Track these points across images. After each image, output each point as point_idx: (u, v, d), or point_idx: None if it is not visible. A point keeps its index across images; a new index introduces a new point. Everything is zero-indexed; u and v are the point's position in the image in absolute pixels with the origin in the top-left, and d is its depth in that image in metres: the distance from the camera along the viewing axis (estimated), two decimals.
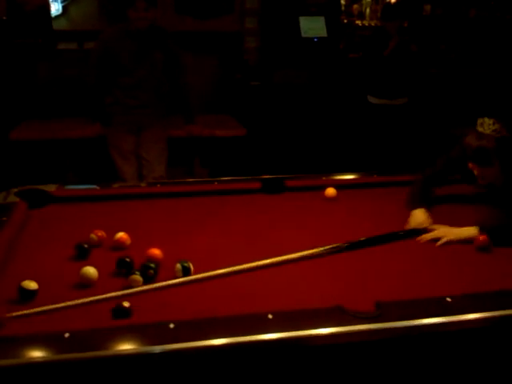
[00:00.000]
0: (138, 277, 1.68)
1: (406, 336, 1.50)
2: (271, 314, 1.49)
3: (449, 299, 1.58)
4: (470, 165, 2.28)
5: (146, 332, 1.42)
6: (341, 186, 2.64)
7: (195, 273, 1.77)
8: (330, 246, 1.98)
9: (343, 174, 2.85)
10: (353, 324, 1.47)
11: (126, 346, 1.37)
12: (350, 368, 1.51)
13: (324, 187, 2.58)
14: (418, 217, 2.23)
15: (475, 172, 2.29)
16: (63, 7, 5.11)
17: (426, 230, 2.16)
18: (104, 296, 1.61)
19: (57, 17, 5.10)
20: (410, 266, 1.93)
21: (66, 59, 5.07)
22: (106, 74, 3.77)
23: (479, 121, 2.21)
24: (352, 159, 4.87)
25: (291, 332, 1.44)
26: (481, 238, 2.01)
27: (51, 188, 2.50)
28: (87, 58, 3.89)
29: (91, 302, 1.59)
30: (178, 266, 1.77)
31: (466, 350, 1.57)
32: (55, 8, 5.07)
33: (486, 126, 2.17)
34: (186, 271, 1.77)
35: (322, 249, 1.96)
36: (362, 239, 2.05)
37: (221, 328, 1.44)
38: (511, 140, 2.14)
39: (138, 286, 1.67)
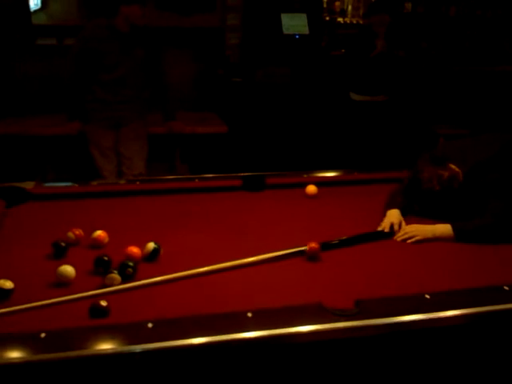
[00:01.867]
0: (115, 275, 1.66)
1: (385, 333, 1.50)
2: (251, 312, 1.48)
3: (427, 296, 1.58)
4: None
5: (124, 331, 1.40)
6: (321, 183, 2.64)
7: (174, 271, 1.75)
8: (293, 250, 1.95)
9: (324, 172, 2.86)
10: (332, 321, 1.47)
11: (104, 346, 1.35)
12: (331, 365, 1.51)
13: (305, 184, 2.59)
14: (391, 216, 2.24)
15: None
16: (42, 1, 5.03)
17: (393, 234, 2.16)
18: (81, 295, 1.59)
19: (36, 11, 5.02)
20: (389, 263, 1.94)
21: (44, 55, 5.00)
22: (86, 71, 3.72)
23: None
24: (333, 156, 4.88)
25: (271, 330, 1.43)
26: (311, 246, 1.92)
27: (29, 185, 2.47)
28: (67, 54, 3.84)
29: (68, 300, 1.56)
30: (151, 245, 1.82)
31: (444, 346, 1.58)
32: (34, 2, 4.98)
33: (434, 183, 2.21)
34: (155, 253, 1.82)
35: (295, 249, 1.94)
36: (325, 242, 2.01)
37: (200, 327, 1.42)
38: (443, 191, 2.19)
39: (115, 285, 1.65)
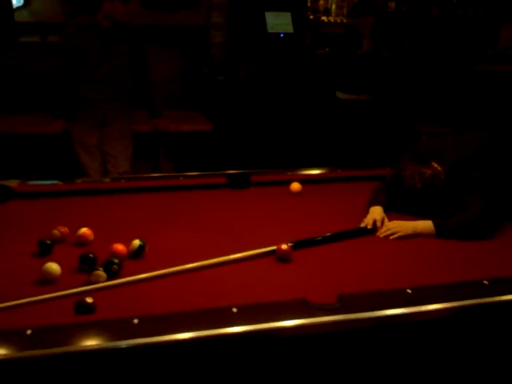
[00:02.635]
0: (101, 272, 1.67)
1: (368, 326, 1.53)
2: (236, 307, 1.50)
3: (409, 291, 1.61)
4: None
5: (110, 327, 1.41)
6: (306, 180, 2.66)
7: (159, 268, 1.76)
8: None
9: (308, 169, 2.88)
10: (316, 316, 1.49)
11: (90, 342, 1.36)
12: (315, 359, 1.54)
13: (289, 182, 2.61)
14: (374, 212, 2.27)
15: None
16: None
17: (375, 230, 2.19)
18: (67, 292, 1.59)
19: (18, 8, 4.98)
20: (371, 259, 1.97)
21: (28, 52, 4.96)
22: (70, 69, 3.71)
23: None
24: (317, 154, 4.91)
25: (256, 325, 1.45)
26: (282, 247, 1.90)
27: (13, 183, 2.46)
28: (50, 51, 3.82)
29: (54, 298, 1.57)
30: (136, 242, 1.84)
31: (426, 339, 1.61)
32: None
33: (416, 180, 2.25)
34: (141, 250, 1.84)
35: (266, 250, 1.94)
36: (310, 238, 2.04)
37: (185, 322, 1.44)
38: (424, 188, 2.24)
39: (101, 282, 1.66)
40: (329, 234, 2.08)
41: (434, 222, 2.15)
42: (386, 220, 2.24)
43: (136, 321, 1.42)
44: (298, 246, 1.97)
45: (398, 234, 2.13)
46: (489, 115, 5.53)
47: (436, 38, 6.53)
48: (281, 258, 1.89)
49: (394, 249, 2.06)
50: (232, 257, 1.87)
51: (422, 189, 2.23)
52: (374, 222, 2.20)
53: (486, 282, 1.70)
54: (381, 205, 2.32)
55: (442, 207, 2.28)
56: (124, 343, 1.36)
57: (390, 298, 1.59)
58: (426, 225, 2.15)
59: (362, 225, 2.21)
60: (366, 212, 2.30)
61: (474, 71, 5.93)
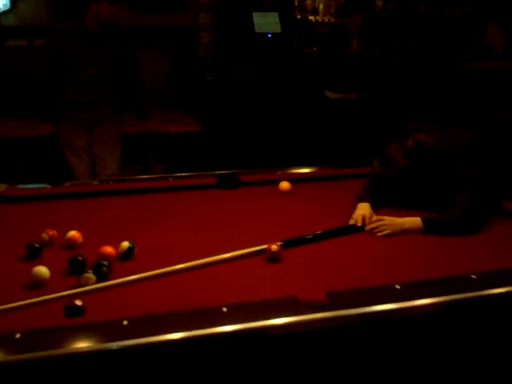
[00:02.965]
0: (90, 275, 1.67)
1: (358, 323, 1.54)
2: (226, 307, 1.50)
3: (397, 286, 1.62)
4: None
5: (100, 330, 1.41)
6: (295, 179, 2.67)
7: (148, 270, 1.76)
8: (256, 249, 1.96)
9: (297, 168, 2.89)
10: (306, 313, 1.50)
11: (80, 345, 1.36)
12: (306, 356, 1.54)
13: (279, 181, 2.61)
14: (362, 208, 2.28)
15: None
16: (11, 2, 4.95)
17: (363, 227, 2.19)
18: (57, 295, 1.59)
19: (5, 12, 4.95)
20: (360, 255, 1.98)
21: (14, 56, 4.94)
22: (58, 71, 3.70)
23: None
24: (307, 153, 4.92)
25: (246, 324, 1.46)
26: (272, 248, 1.90)
27: (1, 187, 2.45)
28: (37, 55, 3.80)
29: (43, 301, 1.56)
30: (125, 244, 1.84)
31: (416, 335, 1.62)
32: (3, 3, 4.91)
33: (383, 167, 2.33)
34: (130, 251, 1.84)
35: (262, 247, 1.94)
36: (300, 237, 2.05)
37: (175, 323, 1.44)
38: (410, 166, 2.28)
39: (90, 285, 1.66)
40: (318, 232, 2.08)
41: (422, 219, 2.16)
42: (374, 216, 2.24)
43: (126, 322, 1.42)
44: (287, 244, 1.97)
45: (385, 232, 2.14)
46: (476, 112, 5.58)
47: (423, 36, 6.56)
48: (271, 257, 1.89)
49: (382, 245, 2.07)
50: (222, 257, 1.87)
51: (410, 165, 2.24)
52: (363, 219, 2.21)
53: (473, 276, 1.72)
54: (368, 201, 2.34)
55: (432, 201, 2.30)
56: (114, 345, 1.36)
57: (378, 294, 1.60)
58: (413, 221, 2.16)
59: (351, 221, 2.22)
60: (354, 208, 2.31)
61: (461, 68, 5.96)
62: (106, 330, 1.41)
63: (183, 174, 2.74)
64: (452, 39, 6.61)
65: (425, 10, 6.62)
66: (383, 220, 2.18)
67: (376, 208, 2.31)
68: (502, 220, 2.28)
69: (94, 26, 3.62)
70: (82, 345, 1.36)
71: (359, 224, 2.20)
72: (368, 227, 2.18)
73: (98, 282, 1.68)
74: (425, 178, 2.31)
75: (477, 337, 1.69)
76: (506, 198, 2.40)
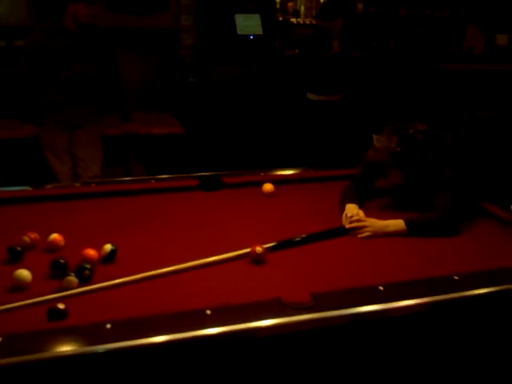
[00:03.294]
0: (72, 278, 1.65)
1: (342, 324, 1.55)
2: (209, 309, 1.50)
3: (381, 288, 1.64)
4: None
5: (82, 333, 1.40)
6: (278, 181, 2.67)
7: (131, 272, 1.75)
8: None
9: (280, 170, 2.89)
10: (291, 315, 1.50)
11: (63, 348, 1.35)
12: (291, 358, 1.54)
13: (262, 183, 2.61)
14: (351, 209, 2.30)
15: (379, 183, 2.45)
16: None
17: (351, 230, 2.20)
18: (39, 299, 1.57)
19: None
20: (344, 257, 1.99)
21: None
22: (39, 72, 3.66)
23: (375, 137, 2.31)
24: (290, 155, 4.93)
25: (231, 326, 1.46)
26: (256, 250, 1.89)
27: None
28: (17, 55, 3.76)
29: (25, 305, 1.55)
30: (108, 246, 1.82)
31: (400, 335, 1.64)
32: None
33: (380, 142, 2.29)
34: (112, 254, 1.83)
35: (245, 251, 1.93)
36: (288, 240, 2.05)
37: (159, 326, 1.44)
38: (403, 152, 2.25)
39: (73, 288, 1.64)
40: (305, 236, 2.08)
41: (405, 221, 2.17)
42: (363, 214, 2.26)
43: (109, 325, 1.41)
44: (275, 248, 1.97)
45: (366, 234, 2.15)
46: (456, 113, 5.64)
47: (404, 38, 6.63)
48: (255, 260, 1.89)
49: (366, 247, 2.08)
50: (206, 260, 1.86)
51: (390, 155, 2.25)
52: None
53: (456, 277, 1.73)
54: (355, 201, 2.35)
55: (415, 202, 2.32)
56: (97, 348, 1.35)
57: (362, 296, 1.61)
58: (396, 224, 2.17)
59: (345, 222, 2.22)
60: (342, 211, 2.31)
61: (440, 70, 6.03)
62: (88, 333, 1.40)
63: (165, 176, 2.72)
64: (432, 41, 6.69)
65: (405, 13, 6.70)
66: (365, 222, 2.19)
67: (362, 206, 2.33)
68: (481, 221, 2.30)
69: (72, 27, 3.59)
70: (65, 348, 1.35)
71: (351, 224, 2.21)
72: (348, 226, 2.19)
73: (80, 285, 1.66)
74: (409, 178, 2.33)
75: (461, 337, 1.71)
76: (484, 198, 2.44)
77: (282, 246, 2.01)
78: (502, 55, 6.49)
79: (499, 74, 6.03)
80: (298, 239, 2.06)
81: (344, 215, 2.27)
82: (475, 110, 5.58)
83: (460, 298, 1.66)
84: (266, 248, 1.93)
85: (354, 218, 2.20)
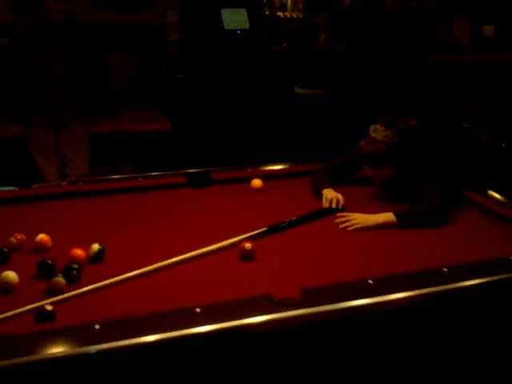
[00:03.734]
0: (60, 279, 1.64)
1: (333, 319, 1.55)
2: (199, 307, 1.49)
3: (370, 281, 1.63)
4: (365, 167, 2.45)
5: (71, 334, 1.39)
6: (267, 176, 2.66)
7: (119, 271, 1.73)
8: (250, 234, 2.02)
9: (269, 165, 2.88)
10: (281, 311, 1.50)
11: (51, 350, 1.33)
12: (282, 354, 1.54)
13: (250, 179, 2.60)
14: (330, 192, 2.37)
15: (369, 173, 2.45)
16: None
17: (343, 209, 2.28)
18: (27, 308, 1.52)
19: None
20: (333, 251, 1.98)
21: None
22: (23, 71, 3.62)
23: (372, 127, 2.36)
24: (278, 149, 4.93)
25: (221, 324, 1.45)
26: (245, 246, 1.89)
27: None
28: (1, 53, 3.72)
29: (13, 315, 1.51)
30: (96, 246, 1.81)
31: (390, 329, 1.64)
32: None
33: (378, 132, 2.33)
34: (100, 254, 1.82)
35: (242, 237, 1.99)
36: (281, 223, 2.13)
37: (148, 325, 1.42)
38: (400, 145, 2.31)
39: (60, 289, 1.63)
40: (294, 218, 2.15)
41: (395, 214, 2.18)
42: (342, 197, 2.32)
43: (97, 326, 1.40)
44: (267, 232, 2.05)
45: (356, 226, 2.15)
46: (443, 105, 5.65)
47: (391, 31, 6.63)
48: (244, 256, 1.88)
49: (352, 240, 2.08)
50: (194, 253, 1.86)
51: (387, 147, 2.28)
52: (337, 201, 2.31)
53: (445, 269, 1.74)
54: (331, 186, 2.42)
55: (404, 193, 2.36)
56: (86, 349, 1.33)
57: (351, 290, 1.60)
58: (386, 216, 2.18)
59: (326, 204, 2.29)
60: (316, 195, 2.40)
61: (427, 62, 6.04)
62: (77, 334, 1.38)
63: (153, 174, 2.71)
64: (419, 34, 6.70)
65: (391, 6, 6.70)
66: (356, 215, 2.20)
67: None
68: (468, 212, 2.32)
69: (59, 17, 3.54)
70: (54, 350, 1.33)
71: (334, 206, 2.28)
72: (338, 220, 2.20)
73: (68, 285, 1.65)
74: (400, 171, 2.36)
75: (451, 330, 1.72)
76: (467, 188, 2.46)
77: (273, 230, 2.07)
78: (488, 46, 6.51)
79: (486, 64, 6.04)
80: (286, 223, 2.12)
81: (324, 199, 2.35)
82: (462, 101, 5.59)
83: (449, 290, 1.66)
84: (256, 234, 1.99)
85: (334, 204, 2.29)
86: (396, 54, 6.24)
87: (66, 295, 1.61)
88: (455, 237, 2.09)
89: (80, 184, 2.59)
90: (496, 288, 1.74)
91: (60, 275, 1.65)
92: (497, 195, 2.40)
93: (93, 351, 1.33)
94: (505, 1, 6.77)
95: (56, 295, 1.60)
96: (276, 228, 2.10)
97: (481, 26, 6.76)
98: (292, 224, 2.14)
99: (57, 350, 1.33)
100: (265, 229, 2.07)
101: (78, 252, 1.79)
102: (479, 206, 2.35)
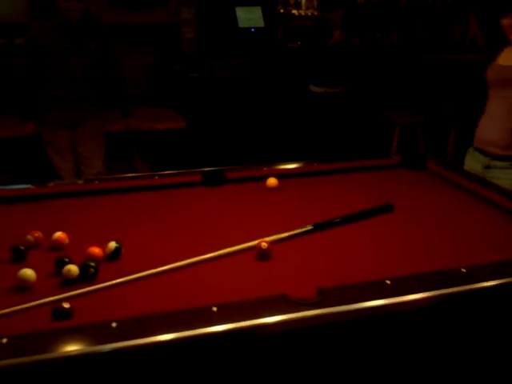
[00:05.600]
0: (70, 266, 1.65)
1: (349, 319, 1.53)
2: (215, 306, 1.49)
3: (388, 281, 1.62)
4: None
5: (88, 332, 1.39)
6: (282, 175, 2.65)
7: (136, 269, 1.74)
8: (293, 232, 2.03)
9: (284, 164, 2.87)
10: (297, 311, 1.49)
11: (68, 348, 1.33)
12: (299, 354, 1.53)
13: (266, 177, 2.59)
14: None
15: None
16: None
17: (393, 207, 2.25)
18: (42, 301, 1.55)
19: None
20: (350, 251, 1.97)
21: None
22: (39, 70, 3.65)
23: None
24: (293, 148, 4.92)
25: (237, 323, 1.44)
26: (262, 245, 1.87)
27: None
28: (18, 53, 3.76)
29: (29, 307, 1.53)
30: (113, 244, 1.82)
31: (408, 330, 1.62)
32: None
33: None
34: (117, 252, 1.83)
35: (287, 234, 2.00)
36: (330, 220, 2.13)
37: (165, 324, 1.42)
38: None
39: (73, 277, 1.65)
40: (347, 215, 2.17)
41: None
42: None
43: (114, 324, 1.40)
44: (317, 227, 2.08)
45: None
46: (459, 103, 5.61)
47: (406, 28, 6.59)
48: (261, 255, 1.87)
49: (369, 240, 2.05)
50: (210, 255, 1.85)
51: None
52: None
53: (463, 269, 1.72)
54: None
55: None
56: (103, 347, 1.34)
57: (368, 290, 1.59)
58: None
59: None
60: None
61: (444, 60, 6.00)
62: (94, 332, 1.39)
63: (168, 172, 2.71)
64: (434, 31, 6.65)
65: (406, 3, 6.65)
66: None
67: None
68: (481, 214, 2.29)
69: (68, 22, 3.56)
70: (70, 348, 1.34)
71: None
72: None
73: (85, 282, 1.66)
74: None
75: (472, 331, 1.70)
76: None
77: (326, 225, 2.09)
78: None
79: None
80: (339, 219, 2.14)
81: None
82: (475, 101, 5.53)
83: (470, 290, 1.64)
84: (311, 229, 2.03)
85: None
86: (412, 51, 6.21)
87: (81, 290, 1.62)
88: (472, 238, 2.06)
89: (96, 182, 2.60)
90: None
91: (67, 261, 1.69)
92: None
93: (110, 349, 1.33)
94: None
95: (72, 291, 1.61)
96: (323, 225, 2.11)
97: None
98: (343, 222, 2.15)
99: (73, 348, 1.33)
100: (310, 227, 2.07)
101: (95, 250, 1.80)
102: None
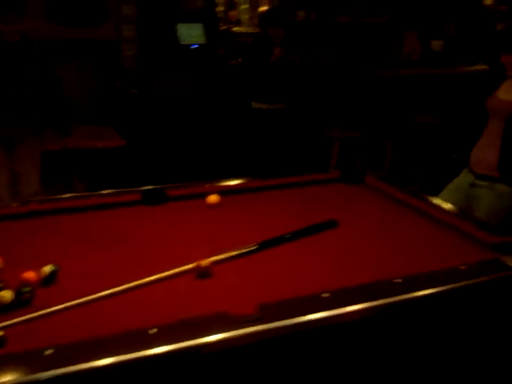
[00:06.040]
0: (5, 292, 1.61)
1: (290, 333, 1.55)
2: (155, 327, 1.47)
3: (325, 295, 1.65)
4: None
5: (21, 360, 1.35)
6: (224, 191, 2.66)
7: (73, 293, 1.69)
8: (239, 252, 2.01)
9: (226, 180, 2.87)
10: (238, 328, 1.49)
11: (1, 378, 1.29)
12: (241, 371, 1.53)
13: (207, 194, 2.59)
14: None
15: None
16: None
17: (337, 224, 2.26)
18: None
19: None
20: (289, 266, 1.98)
21: None
22: None
23: None
24: (235, 165, 4.94)
25: (178, 344, 1.43)
26: (202, 264, 1.87)
27: None
28: None
29: None
30: (48, 268, 1.78)
31: (349, 342, 1.65)
32: None
33: None
34: (52, 275, 1.79)
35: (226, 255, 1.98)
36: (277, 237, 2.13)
37: (102, 348, 1.40)
38: None
39: (7, 303, 1.61)
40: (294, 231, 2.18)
41: None
42: None
43: (49, 351, 1.36)
44: (263, 246, 2.07)
45: None
46: (395, 118, 5.79)
47: (344, 45, 6.76)
48: (201, 274, 1.87)
49: (305, 255, 2.07)
50: (150, 279, 1.81)
51: None
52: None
53: (398, 280, 1.76)
54: None
55: None
56: (38, 376, 1.30)
57: (308, 304, 1.61)
58: None
59: None
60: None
61: (380, 76, 6.18)
62: (26, 361, 1.34)
63: (107, 192, 2.66)
64: (372, 48, 6.86)
65: (346, 21, 6.84)
66: None
67: None
68: (416, 222, 2.36)
69: (12, 39, 3.48)
70: (4, 378, 1.29)
71: None
72: None
73: (20, 308, 1.61)
74: None
75: (410, 341, 1.74)
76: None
77: (274, 242, 2.10)
78: (437, 60, 6.71)
79: (436, 78, 6.23)
80: (288, 235, 2.16)
81: None
82: (414, 115, 5.73)
83: (405, 300, 1.68)
84: (257, 248, 2.03)
85: None
86: (349, 68, 6.37)
87: (17, 320, 1.56)
88: (409, 247, 2.13)
89: (31, 204, 2.52)
90: (452, 297, 1.78)
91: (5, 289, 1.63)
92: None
93: (44, 378, 1.29)
94: (451, 15, 7.01)
95: (6, 317, 1.55)
96: (268, 244, 2.09)
97: (430, 41, 6.97)
98: (288, 239, 2.15)
99: (6, 378, 1.29)
100: (255, 246, 2.06)
101: (30, 274, 1.75)
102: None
